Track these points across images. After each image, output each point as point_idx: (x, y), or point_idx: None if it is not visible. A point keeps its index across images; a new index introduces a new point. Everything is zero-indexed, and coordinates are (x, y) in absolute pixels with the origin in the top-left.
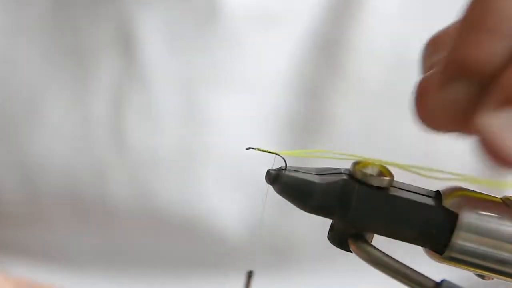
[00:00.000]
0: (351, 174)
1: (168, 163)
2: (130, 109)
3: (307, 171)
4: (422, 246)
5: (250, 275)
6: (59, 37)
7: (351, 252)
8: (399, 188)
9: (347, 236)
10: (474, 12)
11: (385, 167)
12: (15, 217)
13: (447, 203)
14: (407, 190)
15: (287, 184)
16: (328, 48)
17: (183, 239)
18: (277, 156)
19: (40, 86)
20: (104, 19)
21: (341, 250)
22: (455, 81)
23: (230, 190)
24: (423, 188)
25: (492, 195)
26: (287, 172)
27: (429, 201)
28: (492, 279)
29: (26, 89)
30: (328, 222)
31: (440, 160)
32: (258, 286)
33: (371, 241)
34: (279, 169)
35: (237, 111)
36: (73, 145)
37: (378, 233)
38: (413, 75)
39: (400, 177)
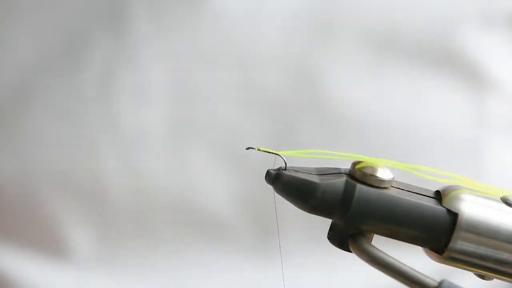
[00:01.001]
0: (351, 174)
1: (159, 141)
2: (120, 87)
3: (307, 171)
4: (422, 246)
5: None
6: (48, 16)
7: (351, 252)
8: (399, 188)
9: (347, 236)
10: None
11: (385, 167)
12: (9, 199)
13: (447, 203)
14: (407, 190)
15: (287, 184)
16: (321, 25)
17: (174, 217)
18: (275, 153)
19: (30, 66)
20: None
21: (326, 233)
22: None
23: (220, 167)
24: (423, 188)
25: (492, 195)
26: (287, 172)
27: (429, 201)
28: (492, 279)
29: (17, 70)
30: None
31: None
32: (247, 263)
33: (371, 241)
34: (279, 169)
35: (227, 88)
36: (64, 124)
37: (378, 233)
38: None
39: (400, 177)
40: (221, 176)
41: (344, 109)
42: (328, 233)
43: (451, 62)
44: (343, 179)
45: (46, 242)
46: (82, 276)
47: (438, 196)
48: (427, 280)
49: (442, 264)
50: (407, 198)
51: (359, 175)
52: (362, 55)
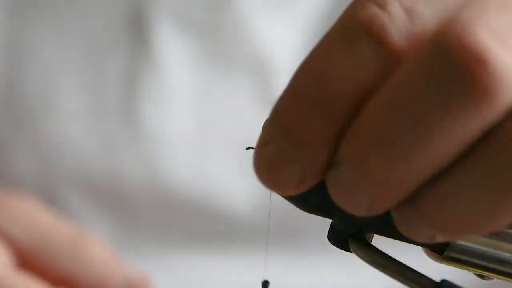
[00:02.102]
0: None
1: (179, 143)
2: (142, 90)
3: None
4: (422, 246)
5: (265, 285)
6: (71, 20)
7: (351, 252)
8: None
9: (347, 236)
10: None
11: None
12: (28, 195)
13: None
14: None
15: None
16: None
17: (194, 218)
18: None
19: (53, 69)
20: (116, 2)
21: None
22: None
23: (240, 169)
24: None
25: None
26: None
27: None
28: (492, 279)
29: (40, 73)
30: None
31: None
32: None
33: (371, 241)
34: None
35: (247, 93)
36: (87, 127)
37: (378, 233)
38: None
39: None
40: (241, 177)
41: None
42: (328, 233)
43: None
44: None
45: None
46: None
47: None
48: (427, 280)
49: (442, 264)
50: None
51: None
52: None
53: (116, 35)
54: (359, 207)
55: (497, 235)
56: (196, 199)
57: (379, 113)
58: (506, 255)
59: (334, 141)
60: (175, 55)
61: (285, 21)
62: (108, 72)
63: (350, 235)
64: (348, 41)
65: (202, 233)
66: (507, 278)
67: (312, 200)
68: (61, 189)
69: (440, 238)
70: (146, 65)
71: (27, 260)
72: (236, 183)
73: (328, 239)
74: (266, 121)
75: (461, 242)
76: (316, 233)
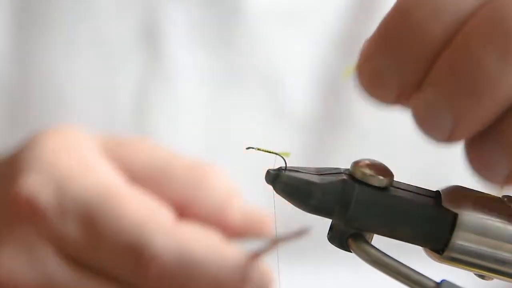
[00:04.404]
0: (351, 174)
1: (191, 155)
2: (154, 103)
3: (307, 171)
4: (422, 246)
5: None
6: (83, 33)
7: (351, 252)
8: (399, 188)
9: (347, 236)
10: None
11: (385, 167)
12: None
13: (447, 203)
14: (407, 190)
15: (287, 184)
16: (351, 48)
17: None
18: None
19: (66, 76)
20: (128, 11)
21: None
22: (397, 50)
23: (249, 182)
24: (423, 188)
25: (492, 194)
26: (287, 172)
27: (429, 201)
28: (492, 279)
29: (52, 86)
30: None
31: (449, 167)
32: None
33: (371, 241)
34: (279, 169)
35: (258, 106)
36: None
37: (378, 233)
38: None
39: (400, 177)
40: (250, 190)
41: (370, 125)
42: (328, 233)
43: None
44: (343, 179)
45: None
46: None
47: (438, 196)
48: (427, 280)
49: (442, 264)
50: (407, 198)
51: (359, 175)
52: None
53: (128, 47)
54: (441, 130)
55: (498, 235)
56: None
57: (474, 40)
58: (506, 255)
59: (430, 63)
60: (187, 68)
61: (297, 35)
62: (120, 84)
63: (350, 235)
64: None
65: None
66: (507, 278)
67: (312, 200)
68: None
69: None
70: (158, 77)
71: (144, 189)
72: (248, 193)
73: (328, 239)
74: (367, 39)
75: (461, 242)
76: (320, 233)
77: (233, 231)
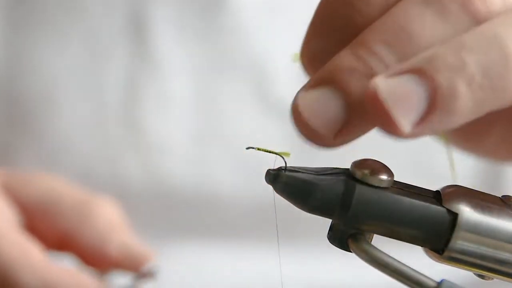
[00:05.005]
0: (351, 174)
1: (180, 147)
2: (142, 95)
3: (307, 171)
4: (422, 246)
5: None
6: (71, 27)
7: (351, 252)
8: (399, 188)
9: (347, 236)
10: None
11: (385, 167)
12: None
13: (447, 203)
14: (407, 190)
15: (287, 184)
16: None
17: (195, 220)
18: (280, 152)
19: (54, 72)
20: (116, 6)
21: None
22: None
23: (240, 173)
24: (423, 188)
25: (492, 194)
26: (286, 172)
27: (429, 201)
28: (492, 279)
29: (41, 80)
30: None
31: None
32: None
33: (371, 241)
34: (279, 169)
35: (246, 97)
36: (88, 130)
37: (378, 233)
38: None
39: (400, 177)
40: (242, 180)
41: None
42: (328, 233)
43: None
44: (343, 179)
45: None
46: None
47: (438, 196)
48: (427, 280)
49: (442, 264)
50: (407, 198)
51: (359, 175)
52: None
53: (115, 40)
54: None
55: (498, 235)
56: (197, 202)
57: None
58: (506, 255)
59: None
60: (174, 60)
61: (282, 25)
62: (108, 77)
63: (350, 235)
64: None
65: (204, 235)
66: (507, 278)
67: (312, 200)
68: None
69: None
70: (146, 69)
71: (33, 219)
72: (238, 186)
73: (328, 239)
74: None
75: (461, 242)
76: (318, 231)
77: (110, 264)
